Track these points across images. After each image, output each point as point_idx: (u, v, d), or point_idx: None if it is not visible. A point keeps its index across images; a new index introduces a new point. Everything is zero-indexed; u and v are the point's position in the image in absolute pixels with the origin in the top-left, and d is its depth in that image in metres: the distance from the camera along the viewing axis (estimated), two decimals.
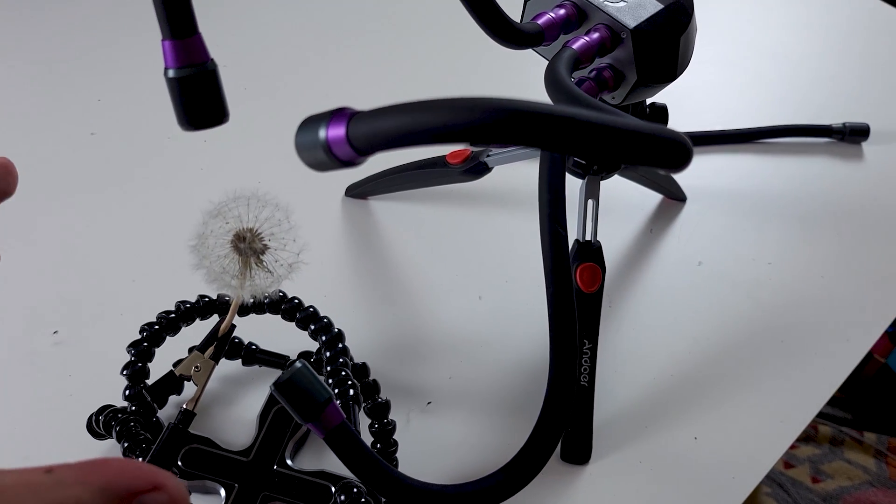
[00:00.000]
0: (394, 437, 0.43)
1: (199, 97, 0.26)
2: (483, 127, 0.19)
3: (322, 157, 0.22)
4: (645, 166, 0.21)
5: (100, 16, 0.74)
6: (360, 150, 0.21)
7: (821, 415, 0.87)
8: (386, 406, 0.44)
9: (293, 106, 0.66)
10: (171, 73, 0.26)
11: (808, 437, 0.85)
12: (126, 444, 0.39)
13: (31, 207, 0.58)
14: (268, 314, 0.44)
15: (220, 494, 0.41)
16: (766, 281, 0.55)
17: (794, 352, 0.51)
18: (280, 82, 0.69)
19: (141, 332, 0.43)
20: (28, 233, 0.56)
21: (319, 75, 0.70)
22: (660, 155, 0.20)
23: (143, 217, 0.57)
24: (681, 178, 0.59)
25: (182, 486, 0.20)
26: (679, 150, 0.21)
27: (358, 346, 0.47)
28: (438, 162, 0.53)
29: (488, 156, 0.51)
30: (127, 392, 0.41)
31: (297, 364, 0.29)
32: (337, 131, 0.22)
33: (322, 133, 0.22)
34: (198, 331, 0.43)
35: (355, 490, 0.39)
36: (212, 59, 0.26)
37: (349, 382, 0.41)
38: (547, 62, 0.35)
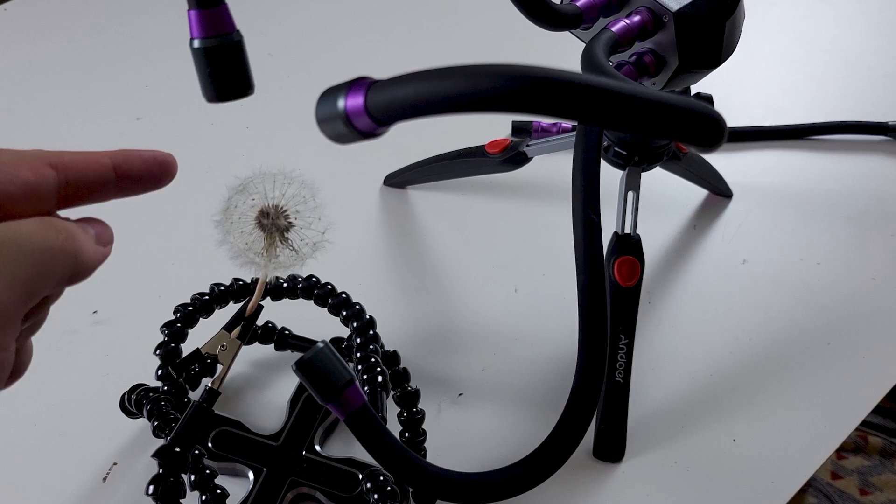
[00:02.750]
0: (423, 426, 0.43)
1: (223, 68, 0.26)
2: (503, 94, 0.18)
3: (341, 129, 0.22)
4: (672, 139, 0.20)
5: (146, 2, 0.76)
6: (378, 119, 0.21)
7: (871, 425, 0.84)
8: (415, 395, 0.43)
9: None
10: (196, 43, 0.26)
11: (857, 447, 0.82)
12: (156, 423, 0.39)
13: None
14: (301, 299, 0.44)
15: (248, 477, 0.41)
16: (813, 281, 0.53)
17: (842, 355, 0.49)
18: (322, 72, 0.69)
19: (175, 312, 0.43)
20: (73, 214, 0.57)
21: (361, 65, 0.70)
22: (690, 129, 0.19)
23: (184, 202, 0.58)
24: (727, 173, 0.57)
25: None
26: (711, 125, 0.20)
27: (390, 335, 0.47)
28: (477, 151, 0.52)
29: (528, 146, 0.50)
30: (159, 372, 0.41)
31: (319, 344, 0.29)
32: (355, 101, 0.21)
33: (341, 103, 0.21)
34: (231, 314, 0.43)
35: (382, 478, 0.39)
36: (237, 30, 0.26)
37: (378, 369, 0.41)
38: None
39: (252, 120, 0.64)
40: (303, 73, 0.68)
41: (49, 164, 0.23)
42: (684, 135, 0.19)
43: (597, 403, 0.32)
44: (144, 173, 0.26)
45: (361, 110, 0.21)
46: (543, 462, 0.32)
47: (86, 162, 0.24)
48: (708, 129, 0.20)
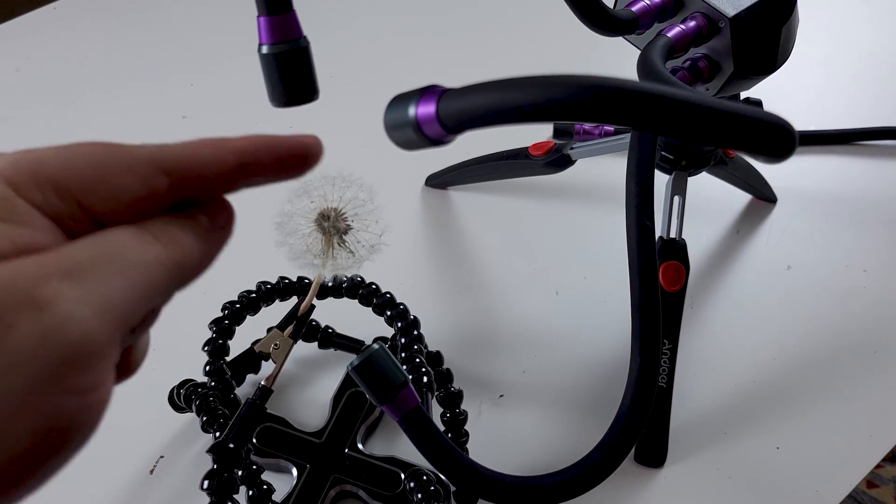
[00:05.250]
0: (465, 427, 0.43)
1: (291, 74, 0.27)
2: (575, 104, 0.19)
3: (411, 136, 0.22)
4: (743, 151, 0.20)
5: (195, 1, 0.76)
6: (449, 127, 0.21)
7: None
8: (459, 395, 0.43)
9: (377, 95, 0.66)
10: (264, 48, 0.26)
11: (893, 456, 0.81)
12: (205, 418, 0.40)
13: None
14: (345, 298, 0.45)
15: (292, 474, 0.42)
16: (860, 289, 0.53)
17: (888, 364, 0.49)
18: (365, 72, 0.69)
19: (223, 309, 0.43)
20: None
21: (404, 65, 0.70)
22: (760, 140, 0.19)
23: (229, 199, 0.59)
24: (771, 178, 0.57)
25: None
26: (782, 136, 0.20)
27: (433, 335, 0.47)
28: (520, 153, 0.52)
29: (572, 148, 0.50)
30: (207, 368, 0.42)
31: (375, 346, 0.29)
32: (427, 109, 0.21)
33: (412, 111, 0.22)
34: (276, 311, 0.43)
35: (425, 477, 0.39)
36: (304, 37, 0.27)
37: (423, 370, 0.41)
38: (638, 52, 0.35)
39: (295, 120, 0.64)
40: (346, 73, 0.68)
41: (163, 171, 0.20)
42: (756, 146, 0.19)
43: (650, 410, 0.32)
44: (281, 167, 0.22)
45: (433, 118, 0.21)
46: (595, 468, 0.32)
47: (206, 164, 0.20)
48: (780, 140, 0.20)
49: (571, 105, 0.19)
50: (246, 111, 0.65)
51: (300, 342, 0.47)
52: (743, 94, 0.44)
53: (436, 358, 0.46)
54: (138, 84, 0.69)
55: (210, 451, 0.35)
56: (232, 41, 0.71)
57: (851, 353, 0.49)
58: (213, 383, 0.42)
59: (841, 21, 0.74)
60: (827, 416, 0.46)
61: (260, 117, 0.65)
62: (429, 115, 0.21)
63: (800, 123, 0.62)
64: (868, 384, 0.48)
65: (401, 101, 0.22)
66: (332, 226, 0.31)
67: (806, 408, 0.47)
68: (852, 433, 0.46)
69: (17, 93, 0.68)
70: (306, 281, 0.45)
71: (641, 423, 0.31)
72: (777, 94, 0.65)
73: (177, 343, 0.49)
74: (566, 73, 0.19)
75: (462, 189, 0.59)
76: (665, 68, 0.31)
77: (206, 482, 0.35)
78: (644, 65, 0.31)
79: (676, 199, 0.44)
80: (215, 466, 0.35)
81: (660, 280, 0.42)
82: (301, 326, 0.37)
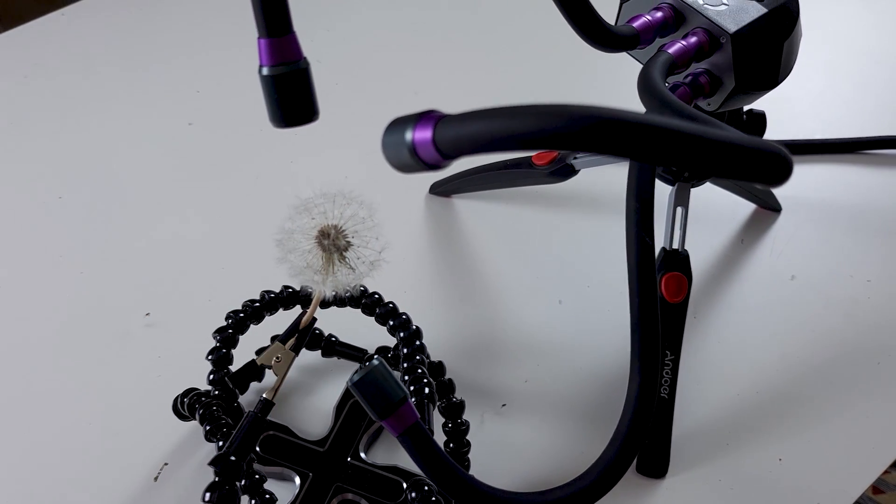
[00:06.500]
0: (467, 437, 0.43)
1: (290, 95, 0.27)
2: (571, 135, 0.19)
3: (407, 159, 0.22)
4: (740, 180, 0.20)
5: (201, 9, 0.77)
6: (445, 153, 0.21)
7: None
8: (460, 406, 0.44)
9: (382, 104, 0.67)
10: (264, 70, 0.26)
11: None
12: (208, 427, 0.40)
13: (129, 192, 0.60)
14: (348, 308, 0.45)
15: (294, 482, 0.42)
16: (863, 299, 0.52)
17: (891, 375, 0.48)
18: (370, 80, 0.69)
19: (226, 318, 0.44)
20: (127, 217, 0.59)
21: (409, 74, 0.70)
22: (756, 170, 0.20)
23: (233, 207, 0.59)
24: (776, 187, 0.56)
25: None
26: (778, 164, 0.20)
27: (435, 344, 0.47)
28: (524, 162, 0.52)
29: (575, 158, 0.50)
30: (211, 377, 0.42)
31: (374, 361, 0.29)
32: (423, 134, 0.21)
33: (409, 135, 0.22)
34: (280, 320, 0.44)
35: (426, 488, 0.39)
36: (304, 58, 0.27)
37: (425, 381, 0.41)
38: (641, 66, 0.35)
39: (300, 129, 0.65)
40: (351, 81, 0.69)
41: None
42: (753, 175, 0.19)
43: (649, 424, 0.32)
44: None
45: (429, 143, 0.21)
46: (591, 486, 0.32)
47: None
48: (776, 168, 0.20)
49: (567, 136, 0.19)
50: (251, 119, 0.65)
51: (304, 350, 0.48)
52: (746, 107, 0.45)
53: (438, 368, 0.46)
54: (145, 90, 0.69)
55: (212, 463, 0.35)
56: (239, 49, 0.72)
57: (855, 363, 0.49)
58: (216, 392, 0.42)
59: (845, 27, 0.74)
60: (830, 427, 0.46)
61: (265, 125, 0.65)
62: (425, 140, 0.21)
63: (804, 132, 0.63)
64: (871, 395, 0.48)
65: (398, 124, 0.23)
66: (333, 243, 0.32)
67: (809, 419, 0.47)
68: (855, 444, 0.46)
69: (25, 99, 0.69)
70: (309, 290, 0.45)
71: (640, 442, 0.32)
72: (781, 102, 0.65)
73: (181, 351, 0.50)
74: (563, 103, 0.19)
75: (466, 197, 0.59)
76: (665, 86, 0.31)
77: (207, 494, 0.35)
78: (644, 81, 0.31)
79: (679, 210, 0.44)
80: (217, 479, 0.35)
81: (662, 291, 0.42)
82: (302, 340, 0.37)
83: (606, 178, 0.53)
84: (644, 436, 0.32)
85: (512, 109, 0.20)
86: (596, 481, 0.32)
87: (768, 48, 0.36)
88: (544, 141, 0.19)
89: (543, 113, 0.19)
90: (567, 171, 0.51)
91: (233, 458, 0.36)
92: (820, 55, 0.70)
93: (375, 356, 0.30)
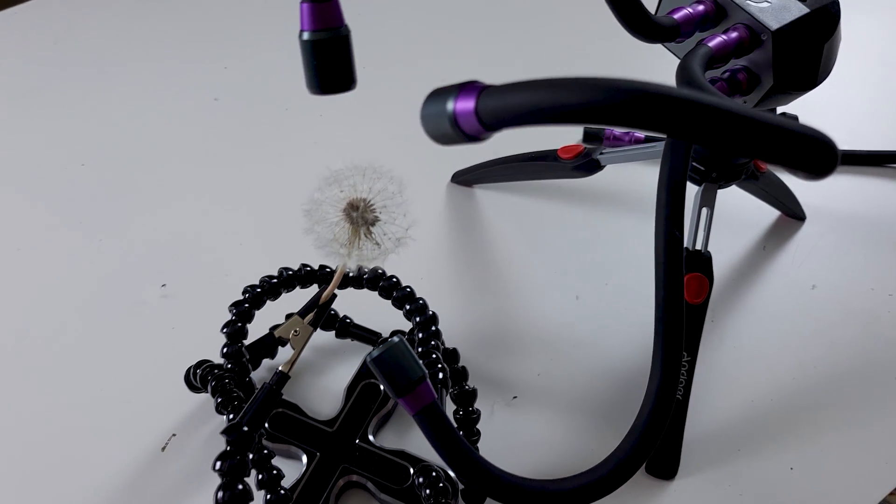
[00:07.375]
0: (477, 426, 0.43)
1: (330, 62, 0.26)
2: (616, 107, 0.18)
3: (447, 130, 0.22)
4: (784, 166, 0.20)
5: None
6: (487, 124, 0.21)
7: None
8: (473, 394, 0.43)
9: (409, 87, 0.66)
10: (305, 35, 0.26)
11: None
12: (219, 400, 0.40)
13: (153, 165, 0.60)
14: (365, 290, 0.45)
15: (301, 461, 0.42)
16: (884, 313, 0.52)
17: None
18: (399, 62, 0.69)
19: (244, 293, 0.44)
20: (149, 188, 0.59)
21: (437, 60, 0.70)
22: (803, 156, 0.19)
23: (255, 184, 0.59)
24: (801, 196, 0.56)
25: None
26: (825, 153, 0.19)
27: (449, 332, 0.47)
28: (549, 155, 0.52)
29: (601, 153, 0.50)
30: (225, 350, 0.42)
31: (395, 339, 0.29)
32: (466, 104, 0.21)
33: (450, 105, 0.22)
34: (296, 298, 0.44)
35: (434, 473, 0.39)
36: (346, 25, 0.26)
37: (439, 365, 0.41)
38: (676, 60, 0.34)
39: (326, 108, 0.64)
40: (378, 63, 0.68)
41: None
42: (798, 161, 0.19)
43: (667, 424, 0.32)
44: None
45: (471, 114, 0.21)
46: (607, 478, 0.31)
47: None
48: (822, 156, 0.19)
49: (612, 108, 0.18)
50: (277, 96, 0.65)
51: (318, 331, 0.47)
52: (779, 110, 0.44)
53: (452, 355, 0.46)
54: (172, 63, 0.69)
55: (224, 432, 0.35)
56: (267, 26, 0.72)
57: (872, 377, 0.49)
58: (229, 365, 0.42)
59: (876, 38, 0.73)
60: (843, 439, 0.46)
61: (291, 103, 0.65)
62: (467, 111, 0.21)
63: (836, 142, 0.62)
64: (887, 410, 0.47)
65: (440, 94, 0.22)
66: (361, 216, 0.31)
67: (823, 429, 0.46)
68: (868, 458, 0.45)
69: (53, 65, 0.69)
70: (328, 270, 0.45)
71: (658, 437, 0.31)
72: (812, 110, 0.64)
73: (196, 323, 0.50)
74: (608, 77, 0.19)
75: (488, 188, 0.59)
76: (705, 78, 0.30)
77: (218, 463, 0.35)
78: (683, 72, 0.31)
79: (704, 210, 0.44)
80: (229, 448, 0.35)
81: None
82: (322, 315, 0.37)
83: (631, 176, 0.52)
84: (662, 431, 0.31)
85: (557, 81, 0.19)
86: (611, 473, 0.31)
87: (809, 48, 0.35)
88: (590, 114, 0.19)
89: (590, 85, 0.19)
90: (592, 167, 0.50)
91: (245, 428, 0.35)
92: (850, 65, 0.69)
93: (396, 334, 0.30)
